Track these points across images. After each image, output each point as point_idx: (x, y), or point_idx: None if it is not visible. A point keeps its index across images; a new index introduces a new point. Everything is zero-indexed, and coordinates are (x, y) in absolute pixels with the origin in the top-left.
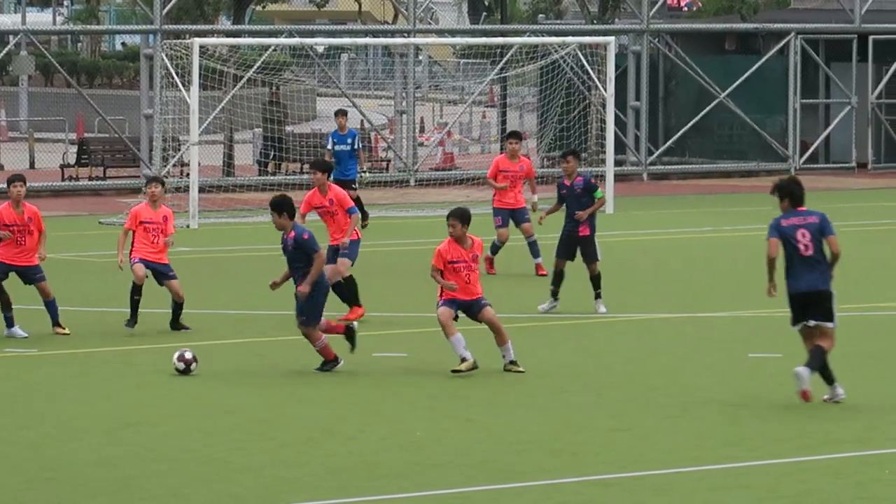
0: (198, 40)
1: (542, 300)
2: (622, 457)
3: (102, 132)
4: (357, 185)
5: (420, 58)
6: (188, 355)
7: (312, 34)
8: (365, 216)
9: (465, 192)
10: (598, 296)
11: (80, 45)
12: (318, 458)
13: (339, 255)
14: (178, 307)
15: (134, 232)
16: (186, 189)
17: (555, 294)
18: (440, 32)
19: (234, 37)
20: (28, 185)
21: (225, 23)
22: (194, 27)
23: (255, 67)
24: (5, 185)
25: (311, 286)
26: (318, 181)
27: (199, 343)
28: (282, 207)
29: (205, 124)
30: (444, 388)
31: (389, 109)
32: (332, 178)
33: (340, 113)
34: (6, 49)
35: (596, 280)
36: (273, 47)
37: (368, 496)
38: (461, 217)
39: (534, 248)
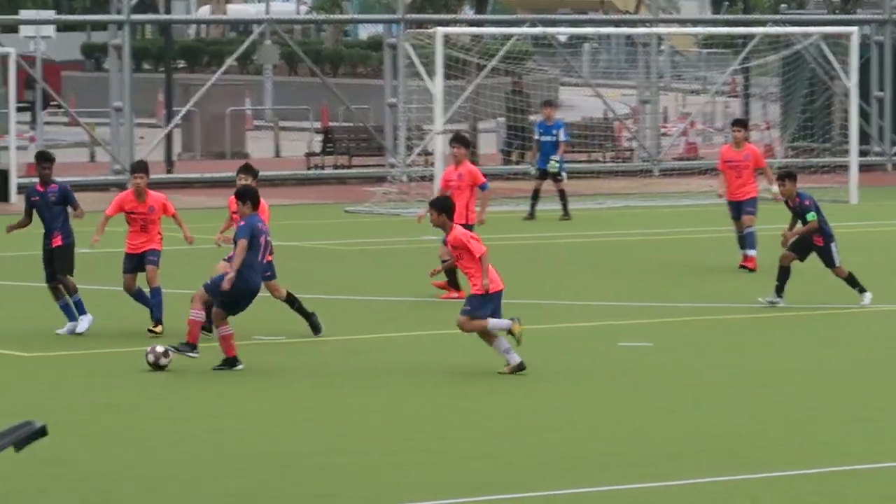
0: (441, 30)
1: (761, 292)
2: (865, 448)
3: (347, 121)
4: (561, 177)
5: (662, 47)
6: (159, 349)
7: (554, 23)
8: (566, 212)
9: (708, 181)
10: (861, 290)
11: (322, 34)
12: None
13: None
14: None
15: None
16: (431, 178)
17: (779, 290)
18: (682, 22)
19: (477, 26)
20: (274, 173)
21: (467, 12)
22: (437, 17)
23: (498, 57)
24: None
25: (236, 275)
26: (458, 156)
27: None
28: (246, 196)
29: (449, 113)
30: (681, 374)
31: (632, 99)
32: (536, 166)
33: (547, 104)
34: (251, 38)
35: (850, 280)
36: (516, 37)
37: (587, 487)
38: (436, 206)
39: (749, 239)
